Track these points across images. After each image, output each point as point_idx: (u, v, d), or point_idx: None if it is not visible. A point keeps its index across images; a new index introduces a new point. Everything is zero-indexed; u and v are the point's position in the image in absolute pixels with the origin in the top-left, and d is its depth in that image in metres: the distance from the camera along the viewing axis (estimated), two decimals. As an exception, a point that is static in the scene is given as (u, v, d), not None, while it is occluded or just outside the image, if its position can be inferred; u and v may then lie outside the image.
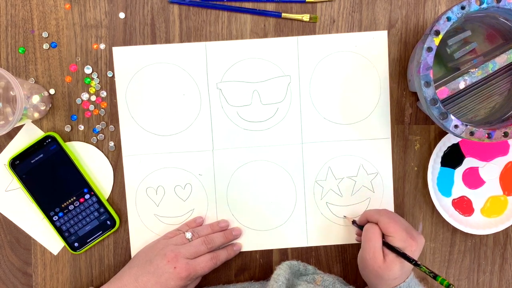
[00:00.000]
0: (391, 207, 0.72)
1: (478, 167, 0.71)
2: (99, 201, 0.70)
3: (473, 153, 0.71)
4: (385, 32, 0.71)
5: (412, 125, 0.72)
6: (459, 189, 0.71)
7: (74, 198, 0.69)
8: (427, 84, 0.59)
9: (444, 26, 0.58)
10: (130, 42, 0.70)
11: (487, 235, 0.72)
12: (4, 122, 0.64)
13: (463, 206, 0.71)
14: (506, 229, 0.72)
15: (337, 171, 0.71)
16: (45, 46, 0.70)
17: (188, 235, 0.67)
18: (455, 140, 0.70)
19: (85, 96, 0.70)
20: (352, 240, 0.72)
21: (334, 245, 0.72)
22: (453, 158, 0.71)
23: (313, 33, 0.71)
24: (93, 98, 0.70)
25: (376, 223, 0.63)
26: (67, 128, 0.70)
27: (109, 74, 0.70)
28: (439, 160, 0.70)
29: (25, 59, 0.70)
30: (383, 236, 0.62)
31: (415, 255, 0.60)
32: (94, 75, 0.70)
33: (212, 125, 0.71)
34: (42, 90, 0.69)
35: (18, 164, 0.68)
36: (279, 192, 0.71)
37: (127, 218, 0.71)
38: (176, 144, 0.71)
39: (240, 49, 0.70)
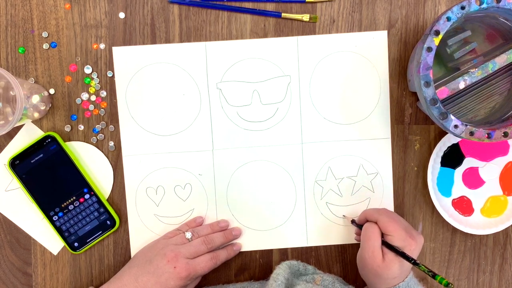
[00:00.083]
0: (391, 207, 0.72)
1: (478, 167, 0.71)
2: (99, 201, 0.70)
3: (473, 153, 0.71)
4: (385, 32, 0.71)
5: (412, 125, 0.72)
6: (459, 189, 0.71)
7: (74, 198, 0.69)
8: (427, 84, 0.59)
9: (444, 26, 0.58)
10: (130, 42, 0.70)
11: (487, 235, 0.72)
12: (4, 122, 0.64)
13: (463, 206, 0.71)
14: (506, 229, 0.72)
15: (337, 171, 0.71)
16: (45, 46, 0.70)
17: (188, 235, 0.67)
18: (455, 140, 0.70)
19: (85, 96, 0.70)
20: (352, 240, 0.72)
21: (334, 245, 0.72)
22: (453, 158, 0.71)
23: (313, 33, 0.71)
24: (93, 98, 0.70)
25: (375, 222, 0.63)
26: (67, 128, 0.70)
27: (109, 74, 0.70)
28: (439, 160, 0.70)
29: (25, 59, 0.70)
30: (382, 235, 0.62)
31: (414, 254, 0.60)
32: (94, 75, 0.70)
33: (212, 125, 0.71)
34: (42, 90, 0.69)
35: (18, 164, 0.68)
36: (279, 192, 0.71)
37: (127, 218, 0.71)
38: (176, 144, 0.71)
39: (240, 49, 0.70)
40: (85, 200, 0.69)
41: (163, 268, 0.62)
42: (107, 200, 0.71)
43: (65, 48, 0.70)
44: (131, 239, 0.71)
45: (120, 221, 0.71)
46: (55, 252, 0.71)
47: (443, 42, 0.64)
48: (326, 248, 0.72)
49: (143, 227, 0.71)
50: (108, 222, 0.70)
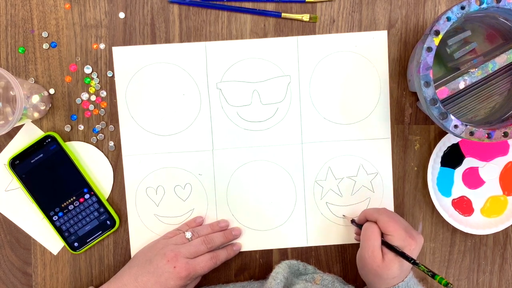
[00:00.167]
0: (391, 207, 0.72)
1: (478, 167, 0.71)
2: (99, 201, 0.70)
3: (473, 153, 0.71)
4: (385, 32, 0.71)
5: (412, 125, 0.72)
6: (459, 189, 0.71)
7: (74, 198, 0.69)
8: (427, 84, 0.59)
9: (444, 26, 0.58)
10: (130, 42, 0.70)
11: (487, 235, 0.72)
12: (4, 122, 0.64)
13: (463, 206, 0.71)
14: (506, 229, 0.72)
15: (337, 171, 0.71)
16: (45, 46, 0.70)
17: (188, 234, 0.67)
18: (455, 140, 0.70)
19: (85, 96, 0.70)
20: (352, 240, 0.72)
21: (334, 245, 0.72)
22: (453, 158, 0.71)
23: (313, 33, 0.71)
24: (93, 98, 0.70)
25: (375, 222, 0.63)
26: (67, 128, 0.70)
27: (109, 74, 0.70)
28: (439, 160, 0.70)
29: (25, 59, 0.70)
30: (382, 235, 0.62)
31: (414, 254, 0.60)
32: (94, 75, 0.70)
33: (212, 125, 0.71)
34: (42, 90, 0.69)
35: (18, 164, 0.68)
36: (279, 192, 0.71)
37: (127, 218, 0.71)
38: (176, 144, 0.71)
39: (240, 49, 0.70)
40: (85, 200, 0.69)
41: (163, 268, 0.62)
42: (107, 200, 0.71)
43: (65, 48, 0.70)
44: (131, 239, 0.71)
45: (120, 221, 0.71)
46: (55, 252, 0.71)
47: (443, 42, 0.64)
48: (326, 248, 0.72)
49: (143, 227, 0.71)
50: (108, 222, 0.70)
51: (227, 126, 0.71)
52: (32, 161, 0.68)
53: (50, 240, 0.71)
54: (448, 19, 0.58)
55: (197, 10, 0.70)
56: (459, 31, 0.65)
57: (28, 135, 0.70)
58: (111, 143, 0.71)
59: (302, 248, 0.72)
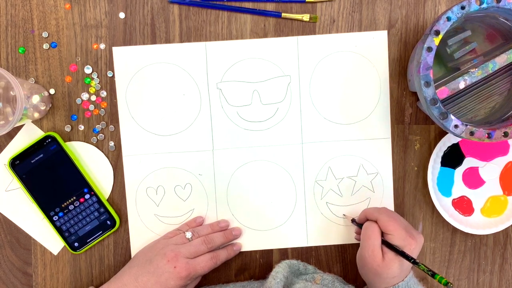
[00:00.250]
0: (391, 207, 0.72)
1: (478, 167, 0.71)
2: (99, 201, 0.70)
3: (473, 153, 0.71)
4: (385, 32, 0.71)
5: (412, 125, 0.72)
6: (459, 189, 0.71)
7: (74, 198, 0.69)
8: (427, 84, 0.59)
9: (444, 26, 0.58)
10: (130, 42, 0.70)
11: (487, 235, 0.72)
12: (4, 122, 0.64)
13: (463, 206, 0.71)
14: (506, 229, 0.72)
15: (337, 171, 0.71)
16: (45, 46, 0.70)
17: (188, 234, 0.67)
18: (455, 140, 0.70)
19: (85, 96, 0.70)
20: (352, 240, 0.72)
21: (334, 245, 0.72)
22: (453, 158, 0.71)
23: (313, 33, 0.71)
24: (93, 98, 0.70)
25: (376, 221, 0.63)
26: (67, 128, 0.70)
27: (109, 74, 0.70)
28: (439, 160, 0.70)
29: (25, 59, 0.70)
30: (382, 234, 0.62)
31: (414, 254, 0.60)
32: (94, 75, 0.70)
33: (212, 125, 0.71)
34: (42, 90, 0.69)
35: (18, 164, 0.68)
36: (279, 192, 0.72)
37: (127, 218, 0.71)
38: (176, 144, 0.71)
39: (240, 49, 0.70)
40: (85, 200, 0.69)
41: (163, 268, 0.62)
42: (107, 200, 0.71)
43: (65, 48, 0.70)
44: (131, 239, 0.71)
45: (120, 221, 0.71)
46: (55, 252, 0.71)
47: (443, 42, 0.64)
48: (326, 248, 0.72)
49: (143, 227, 0.71)
50: (108, 222, 0.70)
51: (227, 126, 0.71)
52: (32, 161, 0.68)
53: (50, 240, 0.71)
54: (448, 19, 0.58)
55: (197, 10, 0.70)
56: (459, 31, 0.65)
57: (28, 135, 0.70)
58: (111, 143, 0.71)
59: (302, 248, 0.72)
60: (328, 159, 0.71)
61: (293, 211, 0.72)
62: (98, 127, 0.71)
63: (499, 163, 0.71)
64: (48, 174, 0.69)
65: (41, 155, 0.69)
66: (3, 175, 0.70)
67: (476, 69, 0.61)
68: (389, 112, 0.71)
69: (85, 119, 0.71)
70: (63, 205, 0.69)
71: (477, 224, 0.71)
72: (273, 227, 0.72)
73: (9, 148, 0.70)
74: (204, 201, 0.71)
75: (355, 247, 0.72)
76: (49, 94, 0.70)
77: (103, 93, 0.70)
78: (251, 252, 0.72)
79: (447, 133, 0.69)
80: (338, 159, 0.71)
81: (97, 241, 0.70)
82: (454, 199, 0.71)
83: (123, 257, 0.71)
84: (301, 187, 0.72)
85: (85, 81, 0.70)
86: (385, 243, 0.61)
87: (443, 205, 0.70)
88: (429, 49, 0.58)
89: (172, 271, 0.62)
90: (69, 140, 0.71)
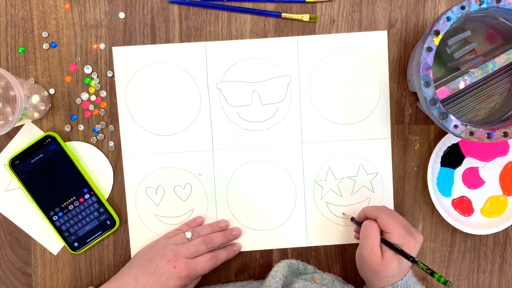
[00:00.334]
0: (391, 207, 0.72)
1: (478, 167, 0.71)
2: (99, 201, 0.70)
3: (473, 153, 0.71)
4: (385, 32, 0.71)
5: (412, 125, 0.72)
6: (459, 189, 0.71)
7: (74, 198, 0.69)
8: (427, 84, 0.59)
9: (444, 26, 0.58)
10: (130, 42, 0.70)
11: (487, 235, 0.72)
12: (4, 122, 0.64)
13: (463, 206, 0.71)
14: (506, 229, 0.72)
15: (337, 171, 0.71)
16: (45, 46, 0.70)
17: (188, 234, 0.67)
18: (455, 140, 0.70)
19: (85, 96, 0.70)
20: (352, 240, 0.72)
21: (334, 245, 0.72)
22: (453, 158, 0.71)
23: (313, 33, 0.71)
24: (93, 98, 0.70)
25: (375, 220, 0.63)
26: (67, 128, 0.70)
27: (109, 74, 0.70)
28: (439, 160, 0.70)
29: (25, 59, 0.70)
30: (382, 233, 0.62)
31: (413, 253, 0.60)
32: (94, 75, 0.70)
33: (212, 125, 0.71)
34: (42, 90, 0.69)
35: (18, 164, 0.68)
36: (279, 192, 0.71)
37: (127, 218, 0.71)
38: (176, 144, 0.71)
39: (240, 49, 0.70)
40: (85, 200, 0.69)
41: (163, 268, 0.62)
42: (107, 200, 0.71)
43: (65, 48, 0.70)
44: (131, 239, 0.71)
45: (120, 221, 0.71)
46: (55, 252, 0.71)
47: (443, 42, 0.64)
48: (326, 248, 0.72)
49: (143, 227, 0.71)
50: (108, 222, 0.70)
51: (227, 126, 0.71)
52: (32, 161, 0.68)
53: (50, 240, 0.71)
54: (448, 19, 0.58)
55: (197, 10, 0.70)
56: (459, 31, 0.65)
57: (28, 135, 0.70)
58: (111, 143, 0.71)
59: (302, 248, 0.72)
60: (328, 159, 0.71)
61: (293, 211, 0.72)
62: (98, 127, 0.71)
63: (499, 163, 0.71)
64: (48, 174, 0.69)
65: (41, 155, 0.69)
66: (3, 175, 0.70)
67: (476, 69, 0.61)
68: (389, 112, 0.71)
69: (85, 119, 0.71)
70: (62, 205, 0.69)
71: (477, 224, 0.71)
72: (273, 227, 0.72)
73: (9, 148, 0.70)
74: (204, 201, 0.71)
75: (354, 247, 0.72)
76: (49, 94, 0.70)
77: (103, 93, 0.70)
78: (251, 252, 0.72)
79: (447, 133, 0.69)
80: (338, 159, 0.71)
81: (96, 241, 0.70)
82: (454, 199, 0.71)
83: (123, 257, 0.71)
84: (301, 187, 0.71)
85: (85, 81, 0.70)
86: (384, 241, 0.61)
87: (443, 205, 0.70)
88: (429, 49, 0.58)
89: (172, 271, 0.62)
90: (69, 140, 0.70)
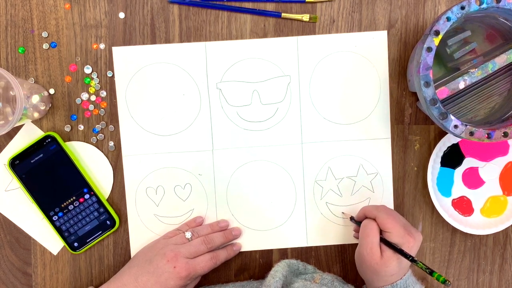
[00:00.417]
0: (391, 207, 0.72)
1: (478, 167, 0.71)
2: (98, 201, 0.70)
3: (473, 153, 0.71)
4: (385, 32, 0.71)
5: (412, 125, 0.72)
6: (459, 189, 0.71)
7: (74, 198, 0.69)
8: (427, 84, 0.59)
9: (444, 26, 0.58)
10: (130, 42, 0.70)
11: (486, 235, 0.72)
12: (4, 122, 0.64)
13: (463, 206, 0.71)
14: (506, 229, 0.72)
15: (337, 171, 0.71)
16: (45, 46, 0.70)
17: (188, 234, 0.67)
18: (455, 140, 0.70)
19: (85, 96, 0.70)
20: (352, 240, 0.72)
21: (334, 245, 0.72)
22: (453, 158, 0.71)
23: (313, 33, 0.71)
24: (93, 98, 0.70)
25: (374, 219, 0.63)
26: (67, 128, 0.70)
27: (109, 74, 0.70)
28: (439, 160, 0.70)
29: (25, 59, 0.70)
30: (381, 232, 0.62)
31: (412, 252, 0.60)
32: (94, 75, 0.70)
33: (212, 125, 0.71)
34: (42, 90, 0.69)
35: (18, 164, 0.68)
36: (279, 192, 0.71)
37: (127, 218, 0.71)
38: (176, 144, 0.71)
39: (240, 49, 0.70)
40: (85, 200, 0.69)
41: (163, 268, 0.62)
42: (107, 200, 0.71)
43: (65, 48, 0.70)
44: (131, 239, 0.71)
45: (120, 221, 0.71)
46: (55, 252, 0.71)
47: (443, 42, 0.64)
48: (326, 248, 0.72)
49: (143, 227, 0.71)
50: (108, 222, 0.70)
51: (227, 126, 0.71)
52: (32, 161, 0.68)
53: (50, 240, 0.71)
54: (448, 19, 0.58)
55: (197, 10, 0.70)
56: (459, 31, 0.65)
57: (28, 135, 0.70)
58: (111, 143, 0.71)
59: (302, 248, 0.72)
60: (328, 159, 0.71)
61: (292, 211, 0.72)
62: (98, 127, 0.71)
63: (499, 163, 0.71)
64: (48, 174, 0.69)
65: (41, 155, 0.69)
66: (3, 175, 0.70)
67: (476, 69, 0.61)
68: (389, 112, 0.71)
69: (85, 119, 0.71)
70: (62, 205, 0.69)
71: (477, 224, 0.71)
72: (273, 227, 0.72)
73: (9, 148, 0.70)
74: (203, 201, 0.71)
75: (354, 247, 0.72)
76: (49, 94, 0.70)
77: (103, 93, 0.70)
78: (251, 252, 0.72)
79: (447, 133, 0.69)
80: (338, 159, 0.71)
81: (96, 241, 0.70)
82: (454, 199, 0.71)
83: (123, 257, 0.71)
84: (301, 187, 0.71)
85: (85, 81, 0.70)
86: (384, 241, 0.61)
87: (443, 205, 0.70)
88: (429, 49, 0.58)
89: (171, 271, 0.62)
90: (69, 140, 0.70)
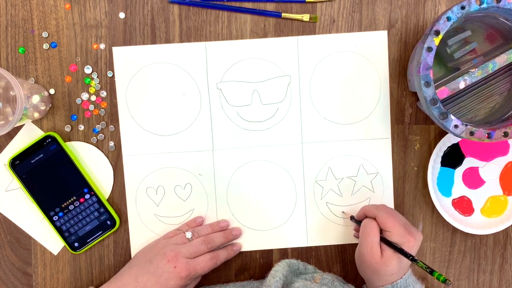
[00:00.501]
0: (391, 207, 0.72)
1: (478, 167, 0.71)
2: (99, 201, 0.70)
3: (473, 153, 0.71)
4: (385, 32, 0.71)
5: (412, 125, 0.72)
6: (459, 189, 0.71)
7: (74, 198, 0.69)
8: (427, 84, 0.59)
9: (444, 26, 0.58)
10: (130, 42, 0.70)
11: (487, 235, 0.72)
12: (4, 122, 0.64)
13: (463, 206, 0.71)
14: (506, 229, 0.72)
15: (337, 171, 0.71)
16: (45, 46, 0.70)
17: (188, 234, 0.67)
18: (455, 140, 0.70)
19: (85, 96, 0.70)
20: (352, 239, 0.72)
21: (334, 245, 0.72)
22: (453, 158, 0.71)
23: (313, 33, 0.71)
24: (93, 98, 0.70)
25: (374, 218, 0.63)
26: (67, 128, 0.70)
27: (109, 74, 0.70)
28: (439, 160, 0.70)
29: (25, 59, 0.70)
30: (381, 231, 0.62)
31: (412, 251, 0.60)
32: (94, 75, 0.70)
33: (212, 125, 0.71)
34: (42, 90, 0.69)
35: (18, 164, 0.68)
36: (279, 192, 0.72)
37: (127, 218, 0.71)
38: (176, 144, 0.71)
39: (240, 49, 0.70)
40: (85, 200, 0.69)
41: (163, 268, 0.62)
42: (107, 200, 0.71)
43: (65, 48, 0.70)
44: (131, 239, 0.71)
45: (120, 221, 0.71)
46: (55, 252, 0.71)
47: (443, 42, 0.64)
48: (326, 248, 0.72)
49: (143, 227, 0.71)
50: (108, 222, 0.70)
51: (227, 126, 0.71)
52: (32, 161, 0.68)
53: (50, 240, 0.71)
54: (448, 19, 0.58)
55: (197, 10, 0.70)
56: (459, 31, 0.65)
57: (28, 135, 0.70)
58: (111, 143, 0.71)
59: (302, 248, 0.72)
60: (328, 159, 0.71)
61: (293, 211, 0.72)
62: (98, 127, 0.71)
63: (499, 163, 0.71)
64: (48, 174, 0.69)
65: (41, 155, 0.69)
66: (3, 175, 0.70)
67: (476, 69, 0.61)
68: (389, 112, 0.71)
69: (85, 119, 0.71)
70: (63, 205, 0.69)
71: (477, 224, 0.71)
72: (273, 227, 0.72)
73: (9, 148, 0.70)
74: (204, 201, 0.71)
75: (355, 247, 0.72)
76: (49, 94, 0.70)
77: (103, 93, 0.70)
78: (251, 252, 0.72)
79: (447, 133, 0.69)
80: (338, 159, 0.71)
81: (97, 241, 0.70)
82: (454, 199, 0.71)
83: (123, 257, 0.71)
84: (301, 187, 0.72)
85: (85, 81, 0.70)
86: (384, 240, 0.61)
87: (443, 205, 0.70)
88: (429, 49, 0.58)
89: (172, 271, 0.62)
90: (69, 140, 0.71)
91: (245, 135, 0.71)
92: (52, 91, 0.70)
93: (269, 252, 0.72)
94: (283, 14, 0.70)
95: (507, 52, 0.61)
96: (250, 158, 0.71)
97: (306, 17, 0.70)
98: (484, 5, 0.58)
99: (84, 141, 0.71)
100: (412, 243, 0.60)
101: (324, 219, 0.72)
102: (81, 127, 0.70)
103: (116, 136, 0.71)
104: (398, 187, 0.72)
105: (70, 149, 0.70)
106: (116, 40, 0.70)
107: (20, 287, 0.71)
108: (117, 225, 0.70)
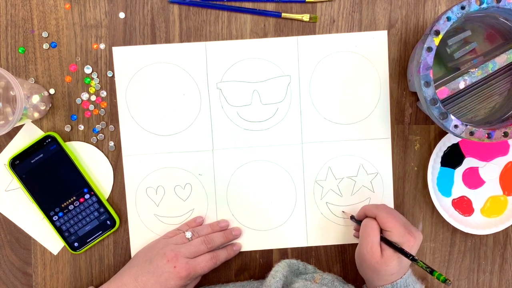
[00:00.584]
0: (391, 207, 0.72)
1: (478, 167, 0.71)
2: (99, 201, 0.70)
3: (473, 153, 0.71)
4: (385, 32, 0.71)
5: (412, 125, 0.72)
6: (459, 189, 0.71)
7: (74, 198, 0.69)
8: (427, 84, 0.59)
9: (444, 26, 0.58)
10: (130, 42, 0.70)
11: (487, 235, 0.72)
12: (4, 122, 0.64)
13: (463, 206, 0.71)
14: (506, 229, 0.72)
15: (337, 171, 0.71)
16: (45, 46, 0.70)
17: (188, 234, 0.67)
18: (455, 140, 0.70)
19: (85, 96, 0.70)
20: (352, 240, 0.72)
21: (334, 245, 0.72)
22: (453, 158, 0.71)
23: (313, 33, 0.71)
24: (93, 98, 0.70)
25: (374, 218, 0.63)
26: (67, 128, 0.70)
27: (109, 74, 0.70)
28: (439, 160, 0.70)
29: (25, 59, 0.70)
30: (381, 231, 0.62)
31: (412, 251, 0.60)
32: (94, 75, 0.70)
33: (212, 125, 0.71)
34: (42, 90, 0.69)
35: (18, 164, 0.68)
36: (279, 192, 0.72)
37: (127, 218, 0.71)
38: (176, 144, 0.71)
39: (240, 49, 0.70)
40: (85, 200, 0.69)
41: (163, 268, 0.62)
42: (107, 200, 0.71)
43: (65, 48, 0.70)
44: (131, 239, 0.71)
45: (120, 221, 0.71)
46: (55, 252, 0.71)
47: (443, 42, 0.64)
48: (326, 248, 0.72)
49: (143, 227, 0.71)
50: (108, 222, 0.70)
51: (227, 126, 0.71)
52: (32, 161, 0.68)
53: (50, 240, 0.71)
54: (448, 19, 0.58)
55: (197, 10, 0.70)
56: (459, 31, 0.65)
57: (28, 135, 0.70)
58: (111, 143, 0.71)
59: (302, 248, 0.72)
60: (328, 159, 0.71)
61: (293, 211, 0.72)
62: (98, 127, 0.71)
63: (499, 163, 0.71)
64: (48, 174, 0.69)
65: (41, 155, 0.69)
66: (3, 175, 0.70)
67: (476, 69, 0.61)
68: (389, 112, 0.71)
69: (85, 119, 0.71)
70: (63, 205, 0.69)
71: (477, 224, 0.71)
72: (273, 227, 0.72)
73: (9, 148, 0.70)
74: (204, 201, 0.71)
75: (355, 247, 0.72)
76: (49, 94, 0.70)
77: (103, 93, 0.70)
78: (251, 252, 0.72)
79: (447, 133, 0.69)
80: (338, 159, 0.71)
81: (97, 241, 0.70)
82: (454, 199, 0.71)
83: (123, 257, 0.71)
84: (301, 187, 0.71)
85: (85, 81, 0.70)
86: (384, 240, 0.61)
87: (443, 205, 0.70)
88: (429, 49, 0.58)
89: (172, 271, 0.62)
90: (69, 140, 0.71)
91: (245, 135, 0.71)
92: (52, 91, 0.70)
93: (269, 252, 0.72)
94: (283, 14, 0.70)
95: (507, 52, 0.61)
96: (250, 158, 0.71)
97: (306, 17, 0.70)
98: (484, 5, 0.58)
99: (84, 141, 0.71)
100: (412, 243, 0.60)
101: (324, 219, 0.72)
102: (81, 127, 0.70)
103: (116, 136, 0.71)
104: (398, 187, 0.72)
105: (70, 149, 0.70)
106: (116, 40, 0.70)
107: (20, 287, 0.71)
108: (117, 225, 0.70)
